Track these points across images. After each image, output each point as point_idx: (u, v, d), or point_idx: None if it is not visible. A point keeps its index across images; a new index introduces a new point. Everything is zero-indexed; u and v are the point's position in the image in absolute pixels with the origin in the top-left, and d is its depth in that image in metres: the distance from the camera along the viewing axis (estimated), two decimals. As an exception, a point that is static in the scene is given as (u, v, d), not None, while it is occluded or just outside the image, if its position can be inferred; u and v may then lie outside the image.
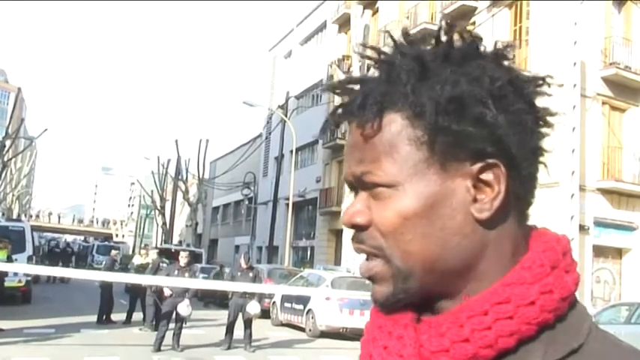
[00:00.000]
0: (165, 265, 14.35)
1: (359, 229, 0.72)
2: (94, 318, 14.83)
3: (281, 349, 13.16)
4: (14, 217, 42.38)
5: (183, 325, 11.96)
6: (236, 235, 46.32)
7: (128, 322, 15.17)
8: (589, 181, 18.46)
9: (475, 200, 0.69)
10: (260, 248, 38.50)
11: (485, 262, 0.70)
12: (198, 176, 43.70)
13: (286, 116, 32.69)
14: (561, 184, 17.29)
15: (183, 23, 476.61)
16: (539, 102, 0.75)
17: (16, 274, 16.26)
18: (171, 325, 11.70)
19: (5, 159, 39.75)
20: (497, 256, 0.70)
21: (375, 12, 29.42)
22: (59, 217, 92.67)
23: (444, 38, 0.72)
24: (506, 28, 20.54)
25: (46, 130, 45.74)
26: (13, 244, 15.69)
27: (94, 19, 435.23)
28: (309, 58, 37.40)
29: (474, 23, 20.64)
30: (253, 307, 12.10)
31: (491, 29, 19.63)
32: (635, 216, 19.19)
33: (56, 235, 64.90)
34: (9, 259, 14.51)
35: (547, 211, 15.98)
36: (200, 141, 44.27)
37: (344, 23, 32.44)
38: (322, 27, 36.09)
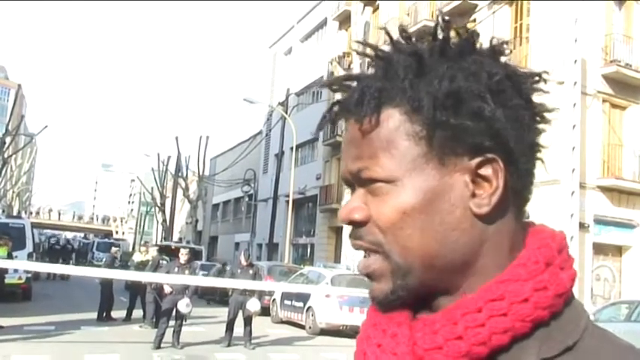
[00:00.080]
0: (165, 262, 14.33)
1: (357, 225, 0.72)
2: (94, 315, 14.83)
3: (281, 346, 13.17)
4: (14, 214, 42.33)
5: (184, 322, 11.95)
6: (236, 233, 46.32)
7: (128, 319, 15.17)
8: (589, 179, 18.45)
9: (474, 195, 0.69)
10: (260, 245, 38.52)
11: (484, 258, 0.70)
12: (199, 173, 43.70)
13: (286, 113, 32.67)
14: (561, 182, 17.29)
15: (183, 20, 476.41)
16: (541, 99, 0.74)
17: (16, 270, 16.23)
18: (172, 323, 11.69)
19: (5, 156, 39.79)
20: (495, 251, 0.70)
21: (376, 9, 29.40)
22: (59, 214, 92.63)
23: (440, 35, 0.72)
24: (506, 25, 20.51)
25: (46, 126, 46.02)
26: (14, 241, 15.69)
27: (94, 16, 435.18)
28: (309, 55, 37.38)
29: (474, 21, 20.61)
30: (253, 305, 12.10)
31: (492, 27, 19.59)
32: (635, 214, 19.19)
33: (56, 232, 64.66)
34: (9, 256, 14.52)
35: (547, 208, 15.99)
36: (200, 138, 44.31)
37: (344, 20, 32.43)
38: (323, 24, 36.07)
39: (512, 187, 0.71)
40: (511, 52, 0.74)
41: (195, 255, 21.27)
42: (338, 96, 0.75)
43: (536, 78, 0.74)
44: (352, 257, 20.88)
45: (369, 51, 0.75)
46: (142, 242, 29.89)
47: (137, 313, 15.11)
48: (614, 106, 19.56)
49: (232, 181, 42.45)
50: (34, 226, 22.53)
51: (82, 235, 65.29)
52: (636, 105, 19.70)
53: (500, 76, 0.70)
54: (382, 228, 0.70)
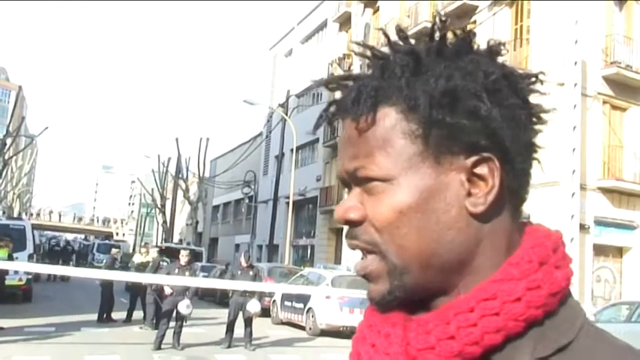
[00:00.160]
0: (165, 263, 14.35)
1: (352, 224, 0.72)
2: (94, 316, 14.82)
3: (281, 347, 13.16)
4: (15, 215, 42.40)
5: (184, 323, 11.95)
6: (236, 234, 46.31)
7: (128, 320, 15.16)
8: (590, 180, 18.44)
9: (469, 194, 0.69)
10: (260, 247, 38.50)
11: (480, 257, 0.70)
12: (199, 175, 43.72)
13: (287, 115, 32.68)
14: (562, 183, 17.29)
15: (184, 22, 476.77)
16: (540, 100, 0.74)
17: (16, 272, 16.24)
18: (172, 324, 11.69)
19: (6, 157, 39.82)
20: (491, 251, 0.70)
21: (376, 11, 29.41)
22: (60, 216, 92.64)
23: (438, 35, 0.73)
24: (507, 26, 20.51)
25: (46, 128, 46.02)
26: (14, 243, 15.67)
27: (95, 17, 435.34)
28: (309, 57, 37.39)
29: (474, 22, 20.63)
30: (253, 306, 12.09)
31: (492, 28, 19.62)
32: (636, 215, 19.18)
33: (57, 234, 64.80)
34: (10, 258, 14.51)
35: (548, 209, 16.01)
36: (200, 139, 44.39)
37: (345, 22, 32.44)
38: (323, 25, 36.08)
39: (508, 186, 0.70)
40: (508, 51, 0.74)
41: (195, 256, 21.25)
42: (338, 96, 0.76)
43: (533, 78, 0.74)
44: (352, 259, 20.86)
45: (366, 51, 0.75)
46: (143, 243, 29.84)
47: (137, 314, 15.10)
48: (614, 107, 19.55)
49: (232, 183, 42.46)
50: (34, 227, 22.52)
51: (83, 236, 65.46)
52: (637, 106, 19.69)
53: (496, 76, 0.70)
54: (378, 227, 0.70)
